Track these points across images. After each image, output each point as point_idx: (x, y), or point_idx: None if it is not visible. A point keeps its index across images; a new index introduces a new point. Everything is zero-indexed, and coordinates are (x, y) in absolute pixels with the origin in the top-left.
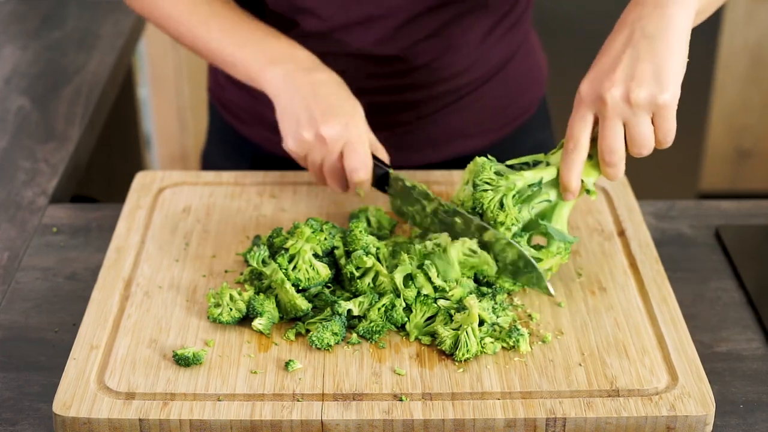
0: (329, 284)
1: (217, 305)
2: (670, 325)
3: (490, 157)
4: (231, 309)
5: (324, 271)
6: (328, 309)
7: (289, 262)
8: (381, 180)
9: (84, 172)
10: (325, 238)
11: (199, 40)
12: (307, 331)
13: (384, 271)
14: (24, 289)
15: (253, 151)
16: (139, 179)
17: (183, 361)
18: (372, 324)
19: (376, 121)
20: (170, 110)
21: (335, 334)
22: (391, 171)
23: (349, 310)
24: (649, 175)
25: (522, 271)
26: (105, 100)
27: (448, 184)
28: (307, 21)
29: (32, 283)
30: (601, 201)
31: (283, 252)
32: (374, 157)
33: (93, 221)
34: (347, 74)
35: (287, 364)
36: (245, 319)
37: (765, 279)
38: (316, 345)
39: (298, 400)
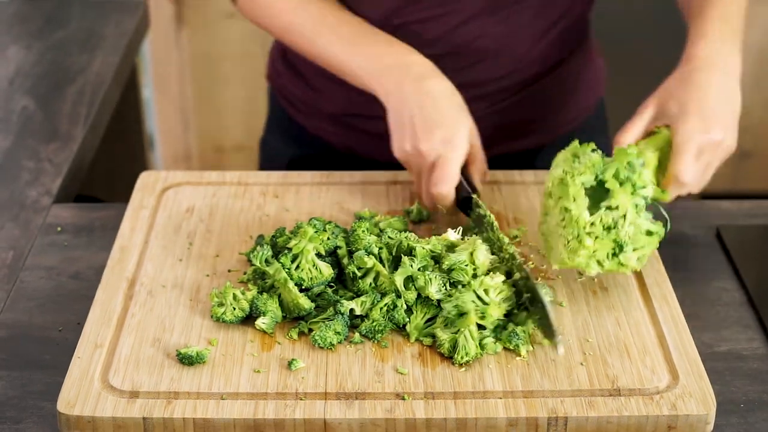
0: (332, 284)
1: (221, 304)
2: (671, 325)
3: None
4: (234, 308)
5: (327, 270)
6: (331, 308)
7: (292, 261)
8: (464, 203)
9: (88, 172)
10: (328, 238)
11: (316, 49)
12: (310, 330)
13: (384, 271)
14: (28, 289)
15: (309, 140)
16: (143, 179)
17: (186, 360)
18: (374, 323)
19: None
20: (174, 110)
21: (338, 333)
22: (474, 196)
23: (352, 310)
24: None
25: (539, 323)
26: (109, 100)
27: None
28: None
29: (36, 283)
30: None
31: (286, 252)
32: (466, 179)
33: (97, 221)
34: None
35: (290, 363)
36: (248, 318)
37: (765, 279)
38: (319, 344)
39: (301, 399)
